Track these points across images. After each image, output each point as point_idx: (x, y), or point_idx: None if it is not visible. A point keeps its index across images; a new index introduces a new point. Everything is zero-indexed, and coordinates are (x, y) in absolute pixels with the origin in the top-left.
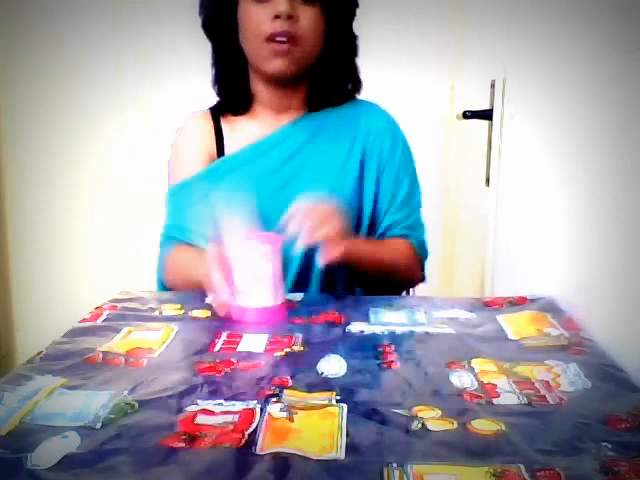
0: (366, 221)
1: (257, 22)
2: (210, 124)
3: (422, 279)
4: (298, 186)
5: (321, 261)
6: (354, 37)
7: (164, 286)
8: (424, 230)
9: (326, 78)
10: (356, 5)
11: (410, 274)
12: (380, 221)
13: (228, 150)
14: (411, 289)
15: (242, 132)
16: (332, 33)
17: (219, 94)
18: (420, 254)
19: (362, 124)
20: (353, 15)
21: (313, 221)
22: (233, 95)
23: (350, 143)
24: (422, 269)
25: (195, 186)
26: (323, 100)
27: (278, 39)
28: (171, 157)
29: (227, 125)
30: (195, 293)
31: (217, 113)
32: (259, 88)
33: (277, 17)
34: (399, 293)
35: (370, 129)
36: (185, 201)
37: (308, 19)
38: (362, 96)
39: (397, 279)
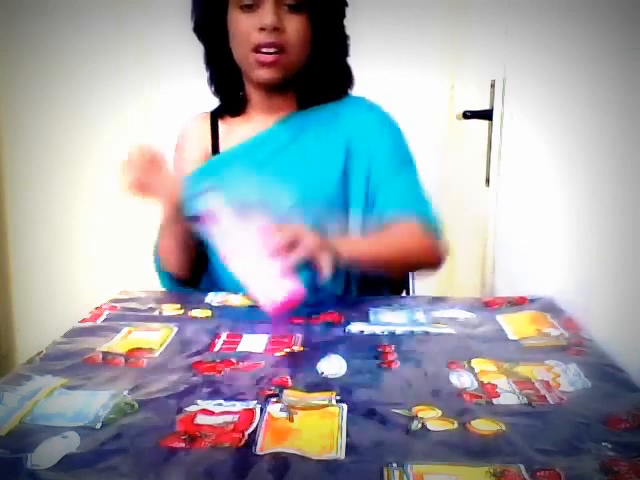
0: (359, 213)
1: (244, 32)
2: (208, 126)
3: (446, 253)
4: (284, 182)
5: (323, 279)
6: (345, 37)
7: (162, 272)
8: (428, 203)
9: (315, 79)
10: (345, 5)
11: (427, 255)
12: (375, 200)
13: (223, 150)
14: (410, 289)
15: (236, 133)
16: (321, 37)
17: (215, 95)
18: (431, 230)
19: (348, 119)
20: (342, 16)
21: (283, 242)
22: (227, 97)
23: (335, 138)
24: (439, 247)
25: (192, 183)
26: (312, 100)
27: (264, 50)
28: (174, 157)
29: (224, 126)
30: (195, 293)
31: (216, 115)
32: (251, 91)
33: (263, 29)
34: (399, 293)
35: (355, 123)
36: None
37: (295, 29)
38: (362, 96)
39: (413, 265)
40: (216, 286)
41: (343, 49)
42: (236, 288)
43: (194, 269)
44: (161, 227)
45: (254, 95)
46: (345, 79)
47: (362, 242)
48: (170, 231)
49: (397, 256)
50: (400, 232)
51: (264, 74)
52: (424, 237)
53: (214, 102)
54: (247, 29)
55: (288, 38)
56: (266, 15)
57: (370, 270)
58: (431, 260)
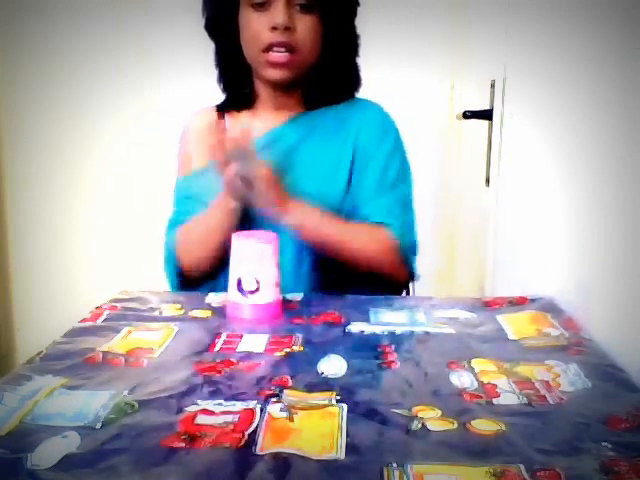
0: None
1: (256, 31)
2: (214, 119)
3: (410, 277)
4: (292, 183)
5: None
6: (355, 37)
7: (173, 269)
8: (412, 222)
9: (325, 78)
10: (357, 4)
11: (388, 265)
12: (361, 207)
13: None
14: (410, 289)
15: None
16: (331, 36)
17: (224, 91)
18: (403, 245)
19: (355, 121)
20: (354, 15)
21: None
22: (236, 93)
23: (342, 141)
24: (407, 263)
25: (199, 179)
26: (320, 99)
27: (276, 49)
28: (179, 151)
29: (231, 121)
30: (195, 293)
31: (222, 110)
32: (259, 87)
33: (275, 28)
34: (399, 293)
35: (361, 125)
36: (191, 193)
37: (306, 28)
38: (362, 96)
39: (371, 268)
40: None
41: (353, 49)
42: None
43: (211, 269)
44: (200, 218)
45: (262, 92)
46: (353, 80)
47: (330, 221)
48: (215, 223)
49: (361, 250)
50: (372, 232)
51: (275, 74)
52: (392, 247)
53: (214, 101)
54: (258, 28)
55: (299, 38)
56: (278, 14)
57: (330, 252)
58: (392, 271)
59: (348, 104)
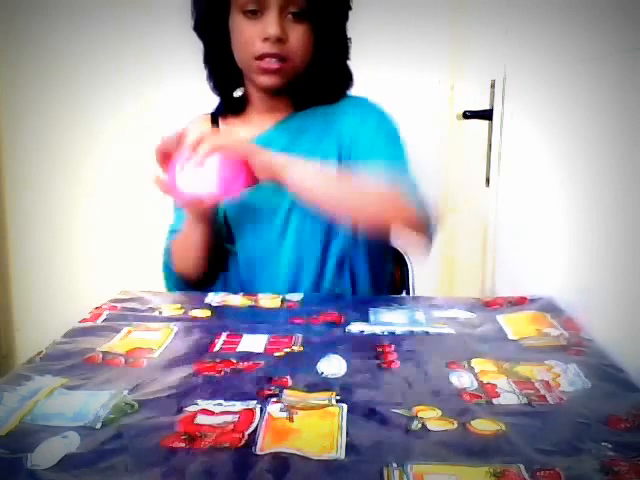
0: None
1: (247, 39)
2: (209, 127)
3: (428, 237)
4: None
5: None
6: (346, 39)
7: (171, 277)
8: (414, 181)
9: (315, 80)
10: (348, 9)
11: (395, 210)
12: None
13: None
14: (410, 289)
15: (236, 134)
16: (322, 41)
17: (213, 91)
18: (410, 196)
19: (344, 121)
20: (346, 19)
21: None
22: (226, 94)
23: (330, 140)
24: (418, 211)
25: None
26: (310, 101)
27: (267, 59)
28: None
29: (224, 127)
30: (195, 293)
31: (216, 116)
32: (251, 91)
33: (267, 39)
34: (399, 292)
35: (351, 124)
36: None
37: (298, 38)
38: (361, 96)
39: (383, 220)
40: (233, 289)
41: (344, 52)
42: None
43: (207, 271)
44: (183, 225)
45: (254, 95)
46: (344, 81)
47: (314, 169)
48: (195, 228)
49: (354, 196)
50: (368, 181)
51: (266, 80)
52: (397, 195)
53: (215, 102)
54: (250, 37)
55: (291, 48)
56: (270, 25)
57: (315, 205)
58: (402, 217)
59: (337, 103)
